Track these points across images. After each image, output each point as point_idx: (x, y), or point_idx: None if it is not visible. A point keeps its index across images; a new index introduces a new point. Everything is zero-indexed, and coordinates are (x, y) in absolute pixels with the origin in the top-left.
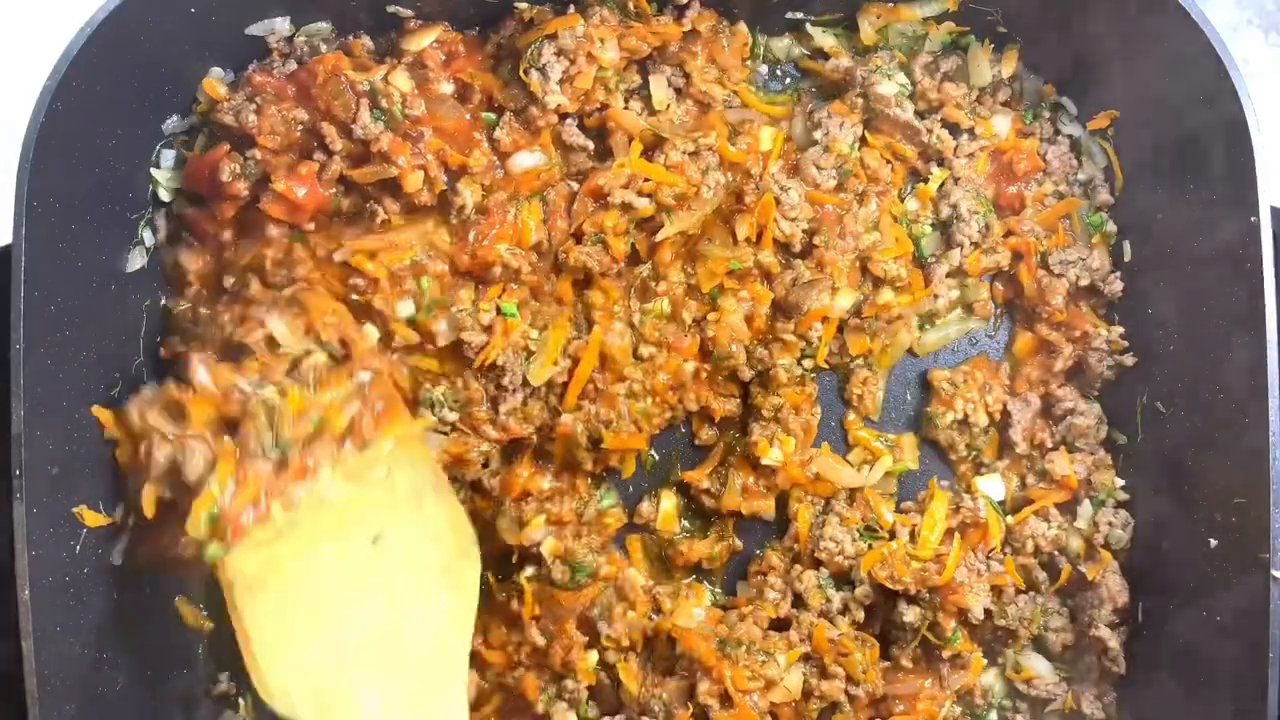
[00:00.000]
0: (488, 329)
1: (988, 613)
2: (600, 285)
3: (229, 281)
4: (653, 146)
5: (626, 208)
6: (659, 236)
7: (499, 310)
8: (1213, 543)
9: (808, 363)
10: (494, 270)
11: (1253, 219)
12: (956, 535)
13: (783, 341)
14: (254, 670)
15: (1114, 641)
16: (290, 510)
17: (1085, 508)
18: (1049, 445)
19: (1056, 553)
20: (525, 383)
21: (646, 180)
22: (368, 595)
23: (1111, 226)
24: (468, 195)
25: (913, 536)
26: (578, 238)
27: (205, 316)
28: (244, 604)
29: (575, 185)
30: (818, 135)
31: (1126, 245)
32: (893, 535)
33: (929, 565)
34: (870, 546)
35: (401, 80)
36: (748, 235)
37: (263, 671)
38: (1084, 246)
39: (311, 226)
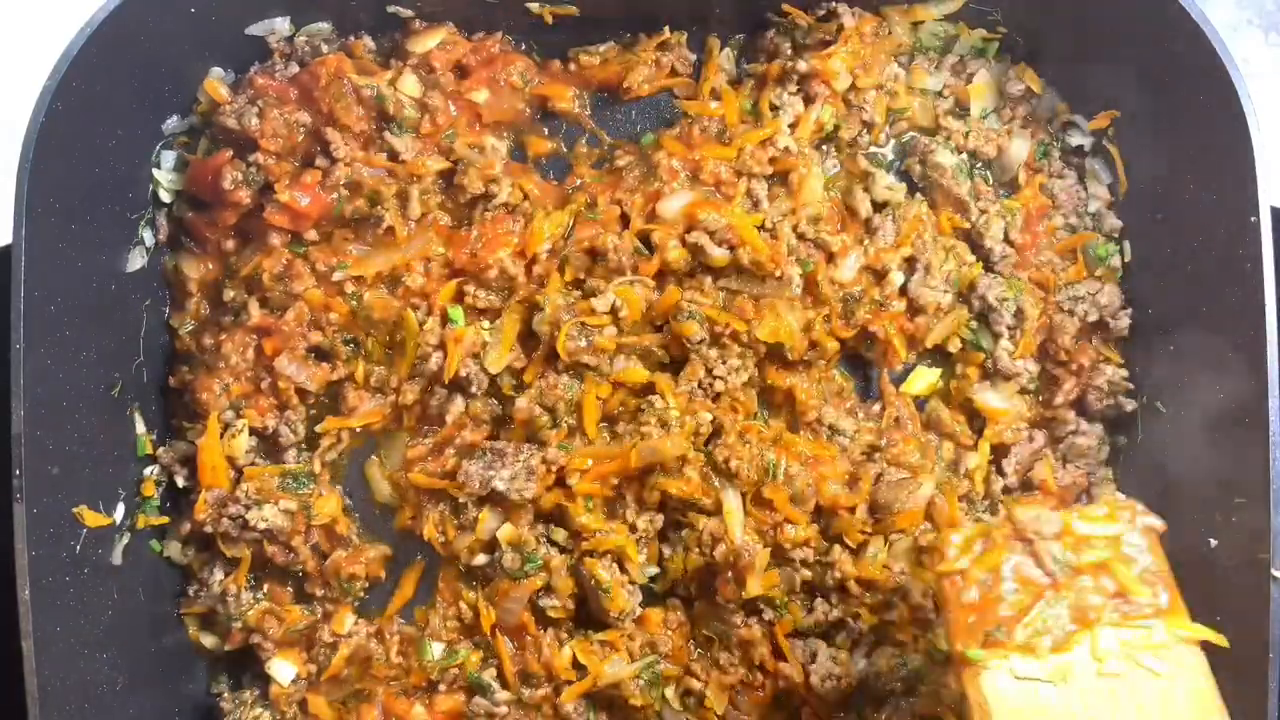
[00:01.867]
0: (439, 346)
1: None
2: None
3: (229, 295)
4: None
5: (696, 248)
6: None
7: (445, 318)
8: (1213, 543)
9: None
10: (489, 273)
11: (1253, 219)
12: None
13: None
14: None
15: None
16: (1060, 650)
17: None
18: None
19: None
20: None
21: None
22: None
23: (1117, 261)
24: (506, 190)
25: None
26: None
27: (210, 346)
28: None
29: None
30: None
31: (1126, 245)
32: None
33: None
34: None
35: (410, 85)
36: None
37: None
38: (1093, 281)
39: (314, 234)
